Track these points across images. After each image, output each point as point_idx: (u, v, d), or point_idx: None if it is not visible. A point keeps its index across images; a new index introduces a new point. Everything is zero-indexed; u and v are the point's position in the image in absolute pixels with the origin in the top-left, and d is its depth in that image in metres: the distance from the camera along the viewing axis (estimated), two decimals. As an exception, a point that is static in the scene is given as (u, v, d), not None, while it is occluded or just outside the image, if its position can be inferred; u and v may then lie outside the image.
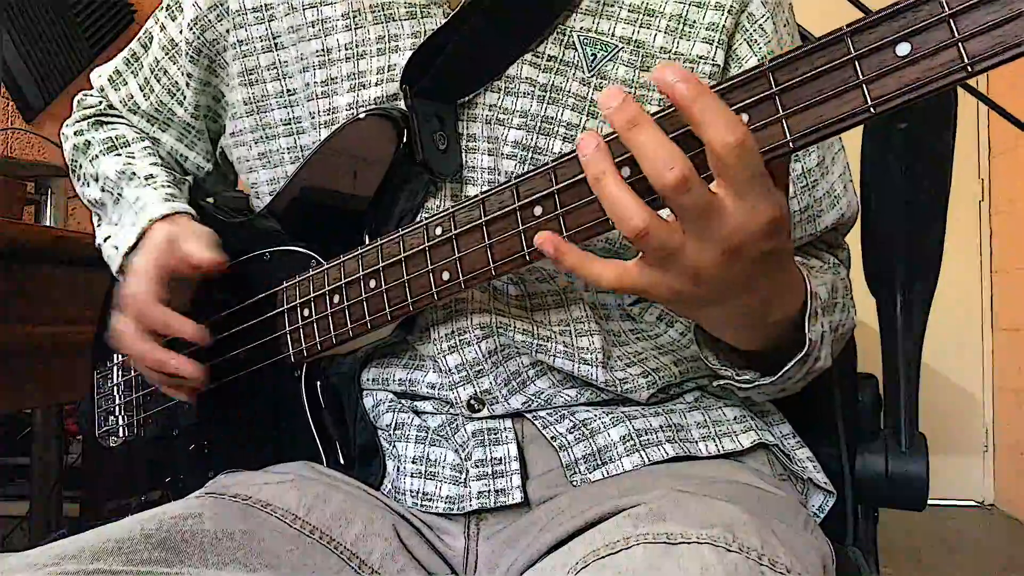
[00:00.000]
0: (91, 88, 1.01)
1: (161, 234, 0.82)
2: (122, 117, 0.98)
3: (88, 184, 0.95)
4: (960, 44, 0.47)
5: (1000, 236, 3.57)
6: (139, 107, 0.95)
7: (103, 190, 0.92)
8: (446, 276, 0.68)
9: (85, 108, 1.00)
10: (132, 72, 0.95)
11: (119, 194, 0.90)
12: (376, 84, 0.78)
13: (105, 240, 0.91)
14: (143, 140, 0.95)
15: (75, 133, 0.98)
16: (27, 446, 2.13)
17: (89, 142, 0.95)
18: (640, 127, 0.53)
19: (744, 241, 0.55)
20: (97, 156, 0.93)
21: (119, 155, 0.92)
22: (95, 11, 2.72)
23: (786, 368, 0.67)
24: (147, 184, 0.88)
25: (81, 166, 0.96)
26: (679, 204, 0.53)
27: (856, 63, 0.50)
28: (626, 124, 0.53)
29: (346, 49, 0.80)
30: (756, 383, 0.69)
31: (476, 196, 0.66)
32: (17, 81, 2.47)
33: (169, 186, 0.89)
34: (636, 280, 0.58)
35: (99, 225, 0.96)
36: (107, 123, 0.97)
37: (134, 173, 0.90)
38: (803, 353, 0.66)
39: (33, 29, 2.50)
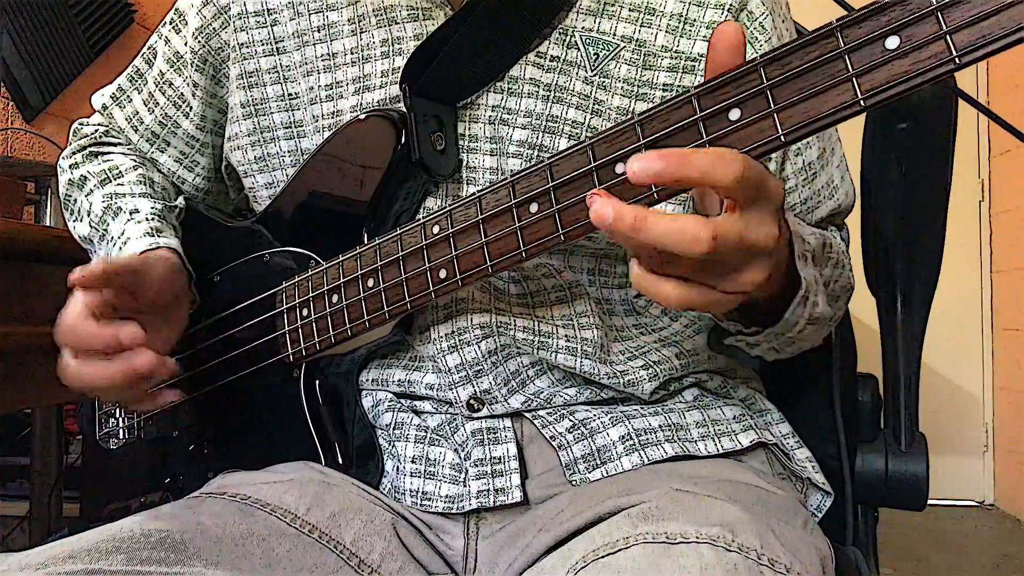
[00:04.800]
0: (91, 91, 0.99)
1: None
2: (120, 144, 0.97)
3: (80, 219, 0.93)
4: (948, 36, 0.48)
5: (1000, 236, 3.57)
6: (143, 122, 0.94)
7: (91, 226, 0.91)
8: (443, 274, 0.68)
9: (81, 137, 0.99)
10: (136, 88, 0.94)
11: (104, 230, 0.89)
12: (380, 87, 0.78)
13: None
14: (137, 169, 0.93)
15: (71, 167, 0.96)
16: (27, 446, 2.13)
17: (85, 176, 0.93)
18: (644, 227, 0.51)
19: (768, 234, 0.55)
20: (92, 191, 0.92)
21: (109, 187, 0.91)
22: (95, 11, 2.72)
23: (788, 312, 0.66)
24: (131, 218, 0.87)
25: (75, 201, 0.94)
26: (721, 253, 0.53)
27: (846, 57, 0.51)
28: (631, 230, 0.52)
29: (351, 53, 0.80)
30: (764, 333, 0.69)
31: (472, 194, 0.66)
32: (17, 81, 2.47)
33: (154, 219, 0.87)
34: (698, 299, 0.56)
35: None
36: (103, 153, 0.96)
37: (120, 208, 0.88)
38: (801, 293, 0.65)
39: (33, 29, 2.50)
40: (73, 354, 0.74)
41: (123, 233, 0.86)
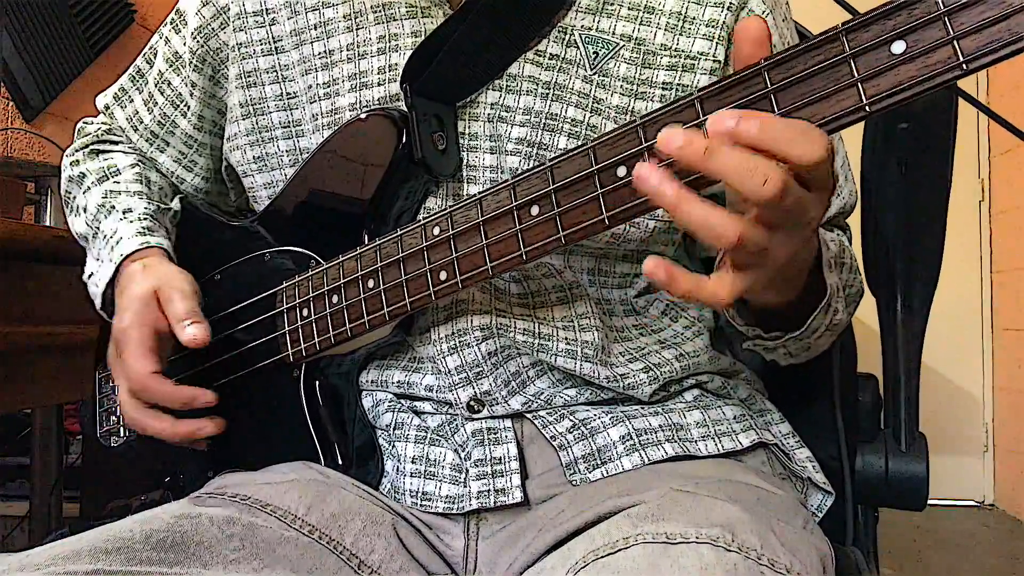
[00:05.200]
0: (91, 91, 1.00)
1: (141, 288, 0.80)
2: (121, 142, 0.97)
3: (77, 215, 0.94)
4: (955, 42, 0.47)
5: (1000, 236, 3.57)
6: (142, 122, 0.94)
7: (86, 223, 0.91)
8: (443, 276, 0.68)
9: (84, 136, 0.99)
10: (137, 88, 0.95)
11: (97, 227, 0.89)
12: (378, 84, 0.78)
13: (89, 277, 0.90)
14: (135, 167, 0.93)
15: (72, 164, 0.97)
16: (27, 446, 2.13)
17: (84, 173, 0.94)
18: (715, 153, 0.50)
19: (820, 216, 0.55)
20: (89, 188, 0.92)
21: (106, 185, 0.91)
22: (95, 11, 2.72)
23: (812, 317, 0.66)
24: (123, 217, 0.87)
25: (74, 198, 0.95)
26: (780, 208, 0.52)
27: (851, 61, 0.50)
28: (701, 157, 0.50)
29: (348, 50, 0.80)
30: (784, 338, 0.69)
31: (473, 196, 0.66)
32: (17, 81, 2.47)
33: (146, 219, 0.87)
34: (743, 285, 0.56)
35: (87, 258, 0.94)
36: (104, 152, 0.96)
37: (113, 206, 0.89)
38: (825, 300, 0.65)
39: (33, 29, 2.49)
40: (140, 404, 0.79)
41: (115, 232, 0.86)
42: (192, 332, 0.77)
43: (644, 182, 0.53)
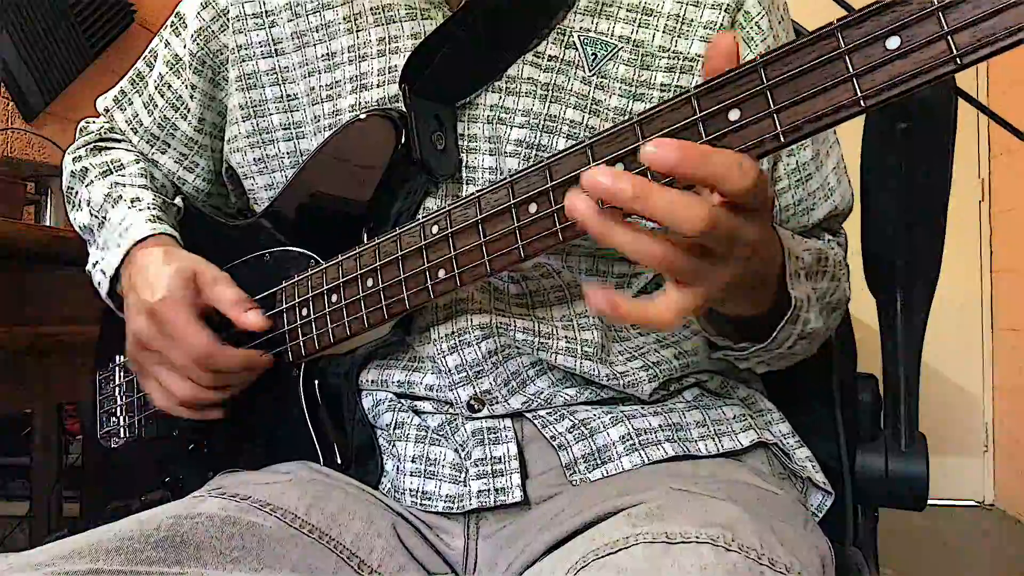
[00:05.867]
0: (91, 91, 1.00)
1: (174, 266, 0.79)
2: (123, 141, 0.98)
3: (80, 208, 0.94)
4: (949, 37, 0.48)
5: (1000, 236, 3.57)
6: (142, 124, 0.94)
7: (91, 214, 0.91)
8: (442, 274, 0.68)
9: (87, 135, 1.00)
10: (137, 91, 0.95)
11: (104, 217, 0.89)
12: (378, 86, 0.78)
13: (94, 265, 0.90)
14: (138, 163, 0.94)
15: (73, 160, 0.97)
16: (27, 446, 2.13)
17: (86, 168, 0.95)
18: (645, 195, 0.51)
19: (761, 237, 0.56)
20: (92, 181, 0.93)
21: (110, 178, 0.92)
22: (95, 11, 2.72)
23: (777, 330, 0.67)
24: (132, 206, 0.87)
25: (76, 193, 0.96)
26: (711, 239, 0.53)
27: (846, 57, 0.50)
28: (632, 198, 0.51)
29: (348, 52, 0.80)
30: (752, 348, 0.70)
31: (472, 194, 0.66)
32: (17, 81, 2.47)
33: (154, 208, 0.88)
34: (688, 304, 0.56)
35: (90, 250, 0.94)
36: (106, 148, 0.97)
37: (120, 196, 0.89)
38: (790, 312, 0.66)
39: (33, 29, 2.50)
40: (203, 374, 0.78)
41: (124, 219, 0.86)
42: (254, 318, 0.78)
43: (572, 212, 0.54)
